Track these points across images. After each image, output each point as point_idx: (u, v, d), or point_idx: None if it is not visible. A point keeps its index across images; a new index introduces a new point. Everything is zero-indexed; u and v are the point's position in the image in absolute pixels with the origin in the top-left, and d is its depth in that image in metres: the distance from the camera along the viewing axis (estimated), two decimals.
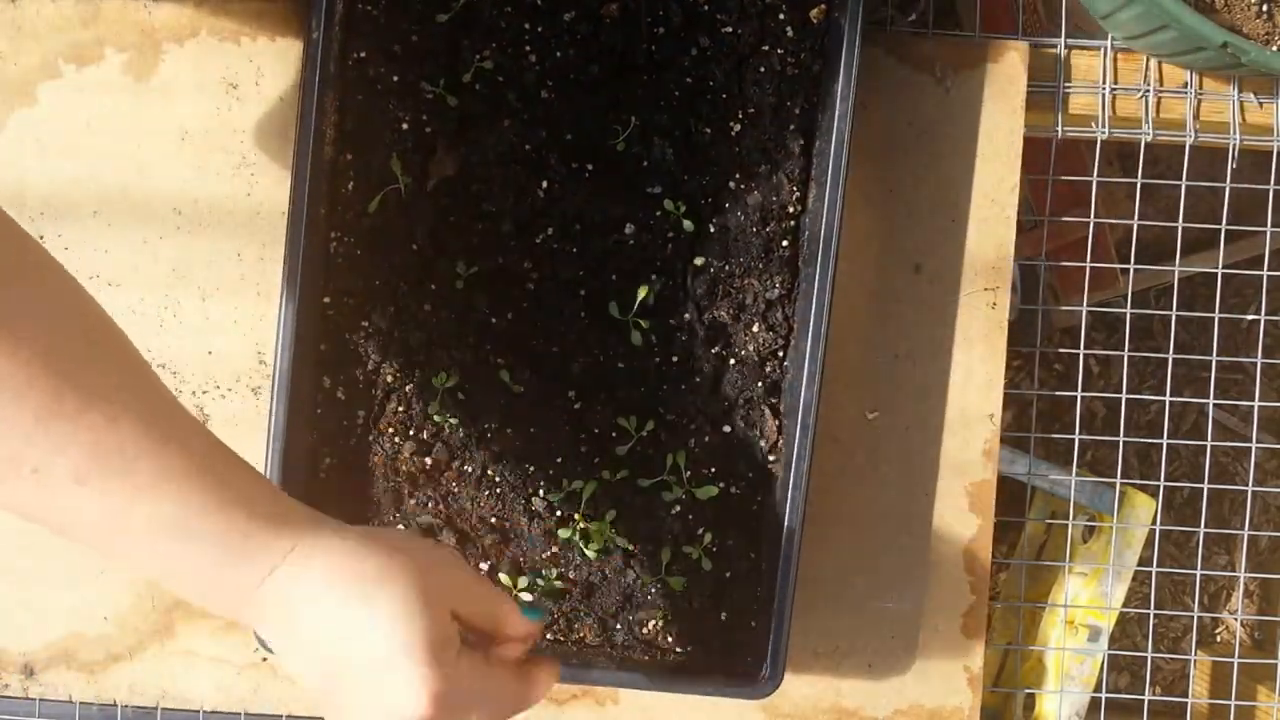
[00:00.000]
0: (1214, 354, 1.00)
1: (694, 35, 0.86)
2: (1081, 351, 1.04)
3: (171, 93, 0.91)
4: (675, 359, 0.87)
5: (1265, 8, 0.86)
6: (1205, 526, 1.05)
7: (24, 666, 0.94)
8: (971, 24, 0.96)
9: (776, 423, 0.87)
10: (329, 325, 0.85)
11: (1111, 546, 1.12)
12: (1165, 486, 1.08)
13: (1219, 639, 1.74)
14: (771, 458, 0.87)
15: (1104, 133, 0.94)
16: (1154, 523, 1.13)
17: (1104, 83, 0.94)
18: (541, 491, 0.86)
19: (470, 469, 0.87)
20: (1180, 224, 1.00)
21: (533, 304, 0.86)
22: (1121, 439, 1.02)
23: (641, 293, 0.85)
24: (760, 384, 0.87)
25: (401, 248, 0.85)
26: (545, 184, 0.85)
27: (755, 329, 0.87)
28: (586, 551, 0.86)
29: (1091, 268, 1.01)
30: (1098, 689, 1.11)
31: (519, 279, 0.86)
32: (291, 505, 0.57)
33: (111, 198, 0.91)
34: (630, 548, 0.86)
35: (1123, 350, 1.04)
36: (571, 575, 0.87)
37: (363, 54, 0.84)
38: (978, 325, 0.92)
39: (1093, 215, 1.00)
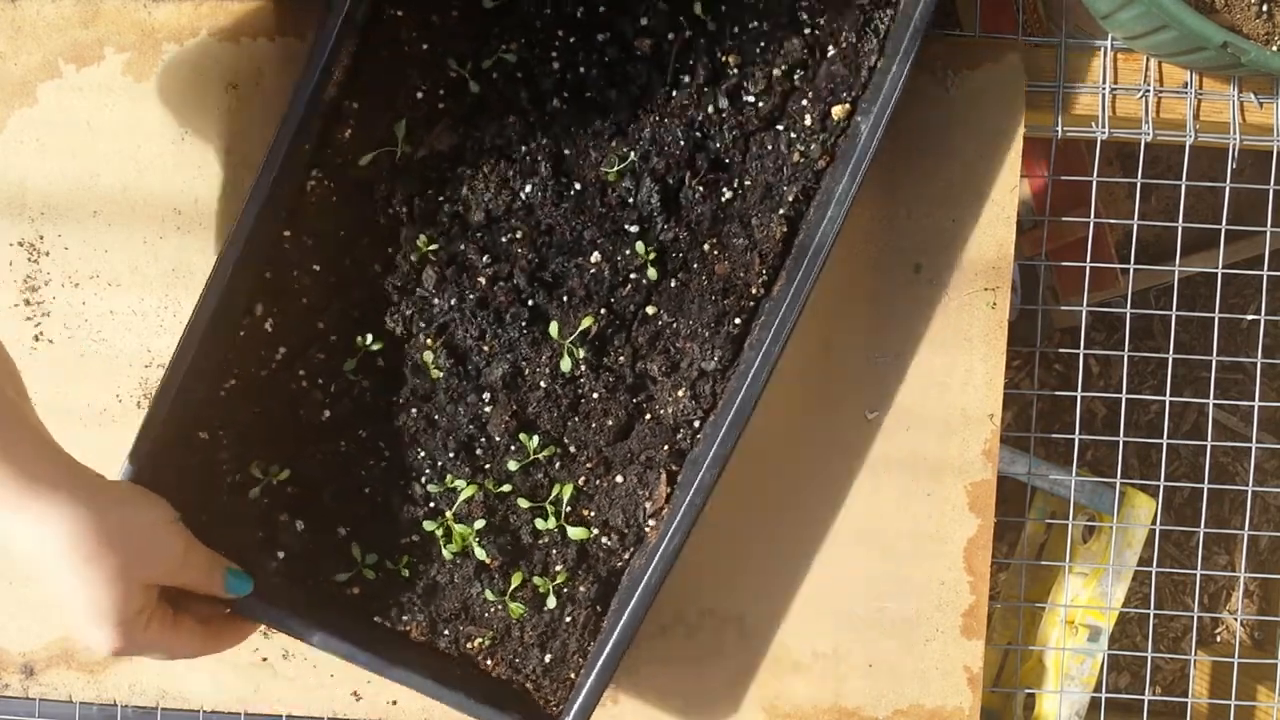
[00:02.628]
0: (1214, 354, 1.01)
1: (715, 93, 0.85)
2: (1081, 351, 1.04)
3: (172, 93, 0.91)
4: (595, 396, 0.86)
5: (1265, 8, 0.86)
6: (1205, 526, 1.06)
7: (24, 666, 0.94)
8: (971, 24, 0.96)
9: (669, 490, 0.86)
10: (281, 256, 0.84)
11: (1111, 546, 1.12)
12: (1165, 486, 1.08)
13: (1219, 639, 1.74)
14: (652, 522, 0.86)
15: (1104, 133, 0.94)
16: (1154, 523, 1.14)
17: (1104, 83, 0.94)
18: (424, 479, 0.86)
19: (365, 435, 0.86)
20: (1180, 224, 1.00)
21: (479, 298, 0.85)
22: (1121, 439, 1.02)
23: (586, 322, 0.84)
24: (667, 447, 0.86)
25: (375, 207, 0.85)
26: (529, 188, 0.85)
27: (680, 393, 0.86)
28: (444, 550, 0.85)
29: (1091, 268, 1.01)
30: (1098, 689, 1.11)
31: (473, 270, 0.85)
32: (45, 469, 0.68)
33: (111, 197, 0.91)
34: (486, 561, 0.85)
35: (1123, 350, 1.04)
36: (420, 568, 0.86)
37: (399, 12, 0.84)
38: (978, 325, 0.92)
39: (1093, 215, 1.00)
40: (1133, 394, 1.47)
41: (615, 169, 0.84)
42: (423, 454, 0.86)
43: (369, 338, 0.84)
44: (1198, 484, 1.09)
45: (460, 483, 0.85)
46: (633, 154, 0.85)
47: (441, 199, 0.85)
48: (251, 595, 0.80)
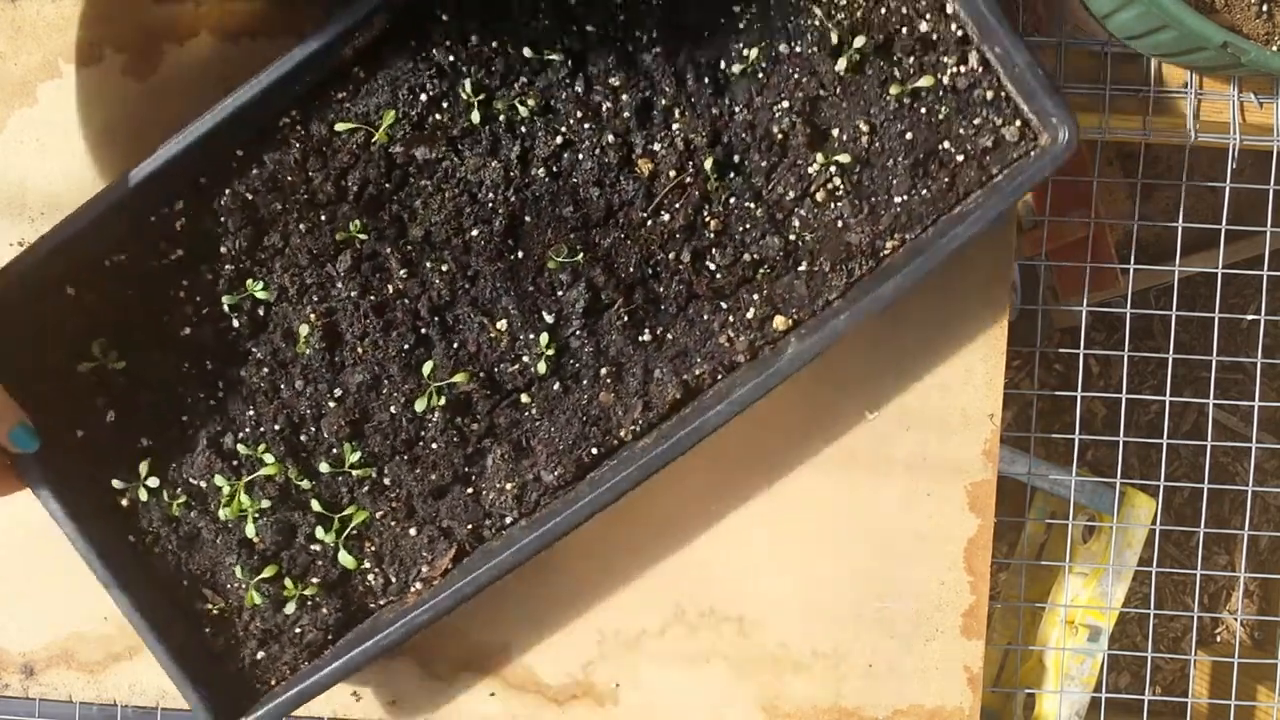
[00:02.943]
0: (1214, 354, 1.01)
1: (684, 244, 0.86)
2: (1081, 351, 1.04)
3: (171, 93, 0.91)
4: (434, 446, 0.86)
5: (1265, 8, 0.86)
6: (1205, 526, 1.06)
7: (24, 666, 0.94)
8: None
9: (450, 566, 0.86)
10: (223, 171, 0.84)
11: (1111, 546, 1.12)
12: (1165, 486, 1.08)
13: (1219, 639, 1.74)
14: (419, 585, 0.87)
15: (1104, 133, 0.94)
16: (1154, 523, 1.14)
17: (1104, 83, 0.94)
18: (239, 436, 0.86)
19: (210, 368, 0.86)
20: (1180, 224, 1.00)
21: (378, 302, 0.85)
22: (1121, 439, 1.02)
23: (460, 377, 0.85)
24: (470, 526, 0.87)
25: (330, 173, 0.85)
26: (476, 231, 0.85)
27: (509, 486, 0.86)
28: (221, 509, 0.85)
29: (1091, 268, 1.01)
30: (1098, 689, 1.11)
31: (387, 275, 0.86)
32: None
33: None
34: (254, 539, 0.85)
35: (1123, 350, 1.04)
36: (191, 515, 0.86)
37: (444, 15, 0.84)
38: (978, 325, 0.92)
39: (1093, 215, 1.00)
40: (1133, 394, 1.48)
41: (560, 259, 0.85)
42: (251, 413, 0.86)
43: (261, 284, 0.85)
44: (1198, 484, 1.09)
45: (269, 457, 0.85)
46: (582, 255, 0.85)
47: (393, 199, 0.85)
48: (31, 457, 0.79)
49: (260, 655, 0.87)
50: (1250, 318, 1.51)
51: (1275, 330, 1.70)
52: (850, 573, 0.93)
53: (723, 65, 0.85)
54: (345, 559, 0.85)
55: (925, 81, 0.84)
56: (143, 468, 0.85)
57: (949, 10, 0.84)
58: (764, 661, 0.93)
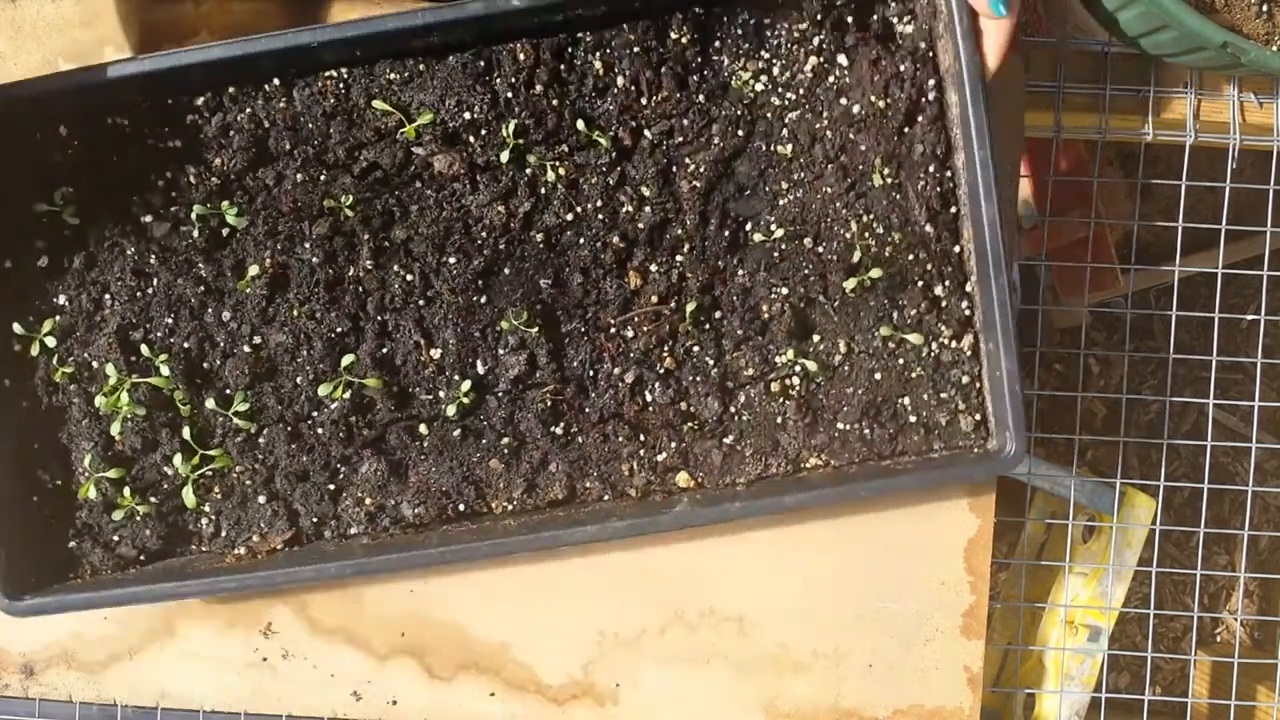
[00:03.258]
0: (1214, 354, 1.01)
1: (634, 366, 0.86)
2: (1082, 351, 1.04)
3: None
4: (319, 431, 0.86)
5: (1265, 8, 0.86)
6: (1205, 526, 1.06)
7: (24, 666, 0.94)
8: None
9: (283, 545, 0.87)
10: (253, 88, 0.85)
11: (1111, 546, 1.12)
12: (1165, 486, 1.08)
13: (1219, 639, 1.74)
14: (243, 550, 0.86)
15: (1104, 133, 0.94)
16: (1154, 523, 1.14)
17: (1104, 83, 0.95)
18: (150, 337, 0.86)
19: (153, 260, 0.86)
20: (1180, 224, 1.00)
21: (333, 278, 0.86)
22: (1121, 439, 1.02)
23: (373, 381, 0.85)
24: (314, 521, 0.87)
25: (348, 144, 0.85)
26: (454, 260, 0.86)
27: (369, 501, 0.87)
28: (100, 396, 0.85)
29: (1092, 268, 1.01)
30: (1098, 689, 1.11)
31: (354, 259, 0.86)
32: None
33: None
34: (116, 437, 0.86)
35: (1123, 350, 1.04)
36: (70, 388, 0.86)
37: (521, 55, 0.84)
38: None
39: (1093, 215, 1.00)
40: (1133, 394, 1.48)
41: (516, 322, 0.85)
42: (169, 321, 0.86)
43: (236, 210, 0.85)
44: (1198, 484, 1.09)
45: (165, 369, 0.85)
46: (538, 329, 0.86)
47: (394, 193, 0.86)
48: None
49: (72, 545, 0.87)
50: (1250, 318, 1.51)
51: (1275, 330, 1.70)
52: (850, 573, 0.93)
53: (748, 227, 0.86)
54: (188, 495, 0.86)
55: (915, 338, 0.85)
56: (48, 324, 0.85)
57: (968, 289, 0.85)
58: (764, 661, 0.93)
